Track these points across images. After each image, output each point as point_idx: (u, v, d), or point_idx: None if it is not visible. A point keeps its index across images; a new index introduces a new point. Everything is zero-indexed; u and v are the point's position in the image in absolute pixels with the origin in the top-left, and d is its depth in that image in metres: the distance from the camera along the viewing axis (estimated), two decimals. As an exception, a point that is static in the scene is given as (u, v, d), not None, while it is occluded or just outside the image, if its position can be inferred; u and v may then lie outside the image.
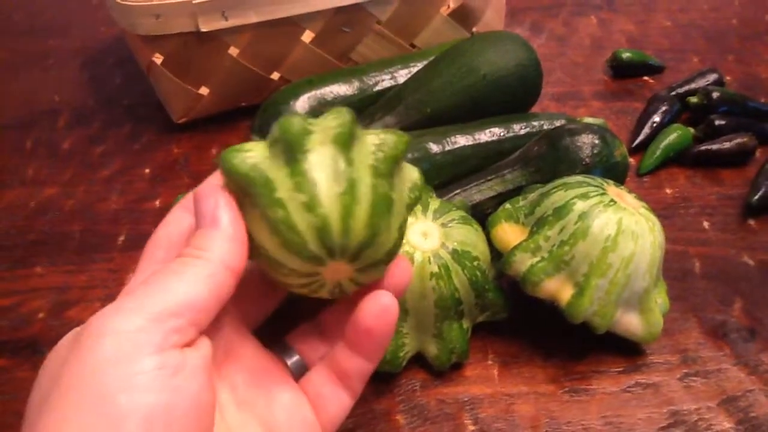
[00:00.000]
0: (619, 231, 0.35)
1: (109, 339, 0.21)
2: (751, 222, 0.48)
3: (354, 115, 0.25)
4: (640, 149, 0.54)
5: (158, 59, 0.53)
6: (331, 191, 0.23)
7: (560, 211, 0.36)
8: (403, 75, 0.55)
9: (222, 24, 0.52)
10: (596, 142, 0.42)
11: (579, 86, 0.62)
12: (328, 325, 0.29)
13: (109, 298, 0.24)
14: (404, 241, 0.35)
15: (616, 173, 0.42)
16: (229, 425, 0.25)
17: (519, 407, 0.36)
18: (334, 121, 0.25)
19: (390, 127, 0.49)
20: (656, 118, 0.55)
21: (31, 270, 0.46)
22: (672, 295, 0.40)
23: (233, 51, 0.54)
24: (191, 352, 0.23)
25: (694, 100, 0.56)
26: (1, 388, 0.38)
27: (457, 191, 0.44)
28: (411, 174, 0.28)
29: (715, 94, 0.55)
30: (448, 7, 0.61)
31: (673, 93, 0.58)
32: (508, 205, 0.40)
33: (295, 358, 0.29)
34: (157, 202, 0.51)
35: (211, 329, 0.24)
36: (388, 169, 0.25)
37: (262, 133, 0.52)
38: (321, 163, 0.24)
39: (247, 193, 0.24)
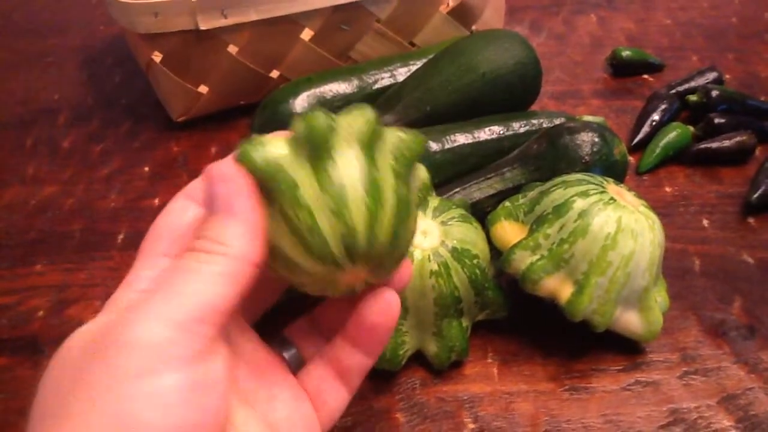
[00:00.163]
0: (618, 229, 0.35)
1: (132, 351, 0.20)
2: (751, 220, 0.48)
3: (376, 113, 0.24)
4: (640, 147, 0.54)
5: (157, 57, 0.53)
6: (358, 196, 0.23)
7: (560, 209, 0.36)
8: (402, 73, 0.55)
9: (221, 22, 0.52)
10: (596, 140, 0.42)
11: (578, 84, 0.62)
12: (326, 319, 0.29)
13: (109, 296, 0.24)
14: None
15: (615, 171, 0.42)
16: (232, 422, 0.25)
17: (519, 405, 0.36)
18: (358, 118, 0.24)
19: (389, 126, 0.49)
20: (656, 117, 0.55)
21: (30, 268, 0.46)
22: (672, 294, 0.40)
23: (232, 49, 0.54)
24: (213, 361, 0.22)
25: (693, 98, 0.56)
26: (1, 387, 0.38)
27: (457, 189, 0.44)
28: (421, 173, 0.27)
29: (714, 93, 0.55)
30: (448, 5, 0.61)
31: (673, 91, 0.58)
32: (507, 204, 0.40)
33: (293, 351, 0.29)
34: (157, 201, 0.51)
35: None
36: (406, 171, 0.25)
37: (262, 131, 0.51)
38: (347, 164, 0.23)
39: (265, 188, 0.23)
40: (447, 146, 0.46)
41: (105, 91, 0.64)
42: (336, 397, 0.27)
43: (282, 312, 0.31)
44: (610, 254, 0.35)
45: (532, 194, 0.40)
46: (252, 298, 0.28)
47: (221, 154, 0.55)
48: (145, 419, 0.19)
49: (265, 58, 0.56)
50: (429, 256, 0.35)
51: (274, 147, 0.23)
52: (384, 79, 0.54)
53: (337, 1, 0.55)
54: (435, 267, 0.35)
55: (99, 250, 0.47)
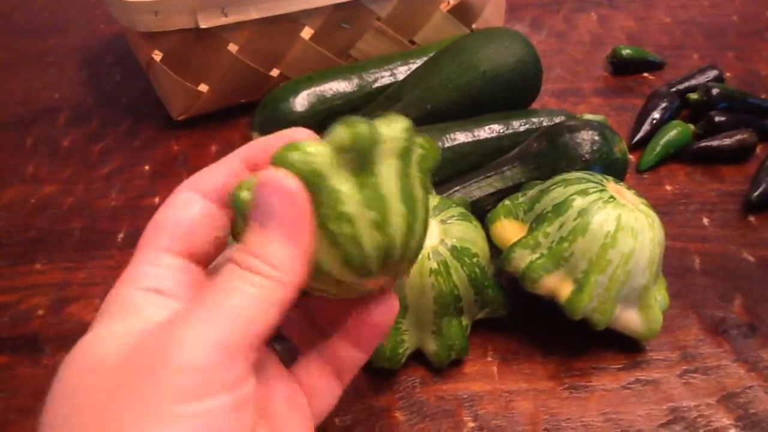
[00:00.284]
0: (618, 227, 0.35)
1: (181, 375, 0.19)
2: (751, 218, 0.48)
3: (412, 123, 0.24)
4: (640, 146, 0.54)
5: (157, 56, 0.53)
6: (398, 210, 0.23)
7: (559, 208, 0.36)
8: (402, 72, 0.55)
9: (221, 20, 0.52)
10: (596, 138, 0.42)
11: (579, 83, 0.62)
12: (322, 315, 0.29)
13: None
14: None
15: (615, 170, 0.42)
16: None
17: (518, 404, 0.36)
18: (396, 129, 0.24)
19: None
20: (656, 115, 0.55)
21: (30, 267, 0.46)
22: (672, 292, 0.40)
23: (233, 48, 0.54)
24: (251, 381, 0.21)
25: (694, 96, 0.56)
26: (1, 386, 0.39)
27: (457, 188, 0.44)
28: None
29: (715, 91, 0.55)
30: (448, 3, 0.61)
31: (673, 89, 0.58)
32: (507, 202, 0.40)
33: (285, 344, 0.28)
34: (157, 199, 0.51)
35: None
36: (428, 182, 0.25)
37: (262, 129, 0.52)
38: (388, 176, 0.23)
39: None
40: (447, 145, 0.46)
41: (105, 90, 0.64)
42: (330, 391, 0.27)
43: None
44: (610, 252, 0.35)
45: (531, 193, 0.40)
46: None
47: (221, 153, 0.54)
48: None
49: (265, 56, 0.56)
50: (429, 254, 0.35)
51: (316, 154, 0.22)
52: (384, 78, 0.54)
53: (337, -1, 0.55)
54: (434, 265, 0.35)
55: (99, 248, 0.47)
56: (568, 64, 0.65)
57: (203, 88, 0.56)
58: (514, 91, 0.50)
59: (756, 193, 0.47)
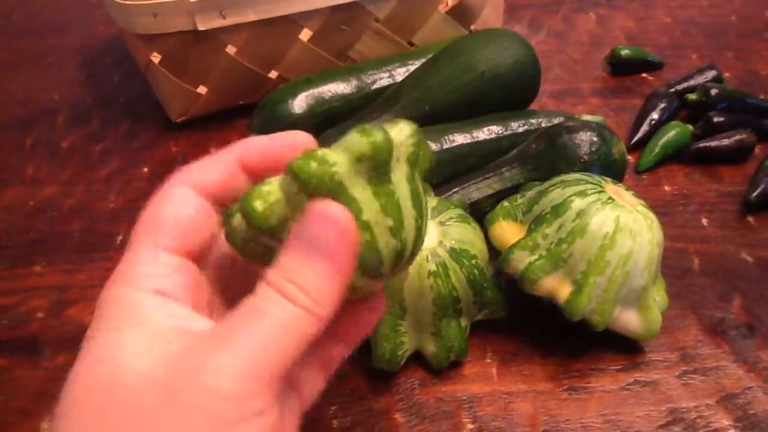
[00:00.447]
0: (617, 228, 0.35)
1: (218, 403, 0.20)
2: (750, 219, 0.48)
3: (419, 129, 0.25)
4: (639, 146, 0.54)
5: (156, 58, 0.53)
6: (411, 215, 0.23)
7: (558, 209, 0.36)
8: (401, 73, 0.55)
9: (220, 22, 0.52)
10: (594, 139, 0.42)
11: (577, 83, 0.62)
12: None
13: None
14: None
15: (614, 171, 0.42)
16: None
17: (518, 405, 0.36)
18: (406, 137, 0.24)
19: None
20: (655, 116, 0.55)
21: (30, 269, 0.46)
22: (671, 293, 0.40)
23: (231, 50, 0.54)
24: (276, 408, 0.22)
25: (693, 97, 0.56)
26: (0, 388, 0.39)
27: (456, 189, 0.44)
28: None
29: (713, 91, 0.55)
30: (446, 4, 0.61)
31: (672, 90, 0.58)
32: (506, 203, 0.40)
33: None
34: (156, 201, 0.51)
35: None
36: (424, 185, 0.26)
37: (260, 131, 0.52)
38: (401, 183, 0.23)
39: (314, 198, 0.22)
40: (446, 146, 0.46)
41: (104, 92, 0.64)
42: (315, 384, 0.27)
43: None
44: (609, 254, 0.35)
45: (530, 194, 0.40)
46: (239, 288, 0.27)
47: (220, 155, 0.55)
48: None
49: (263, 58, 0.56)
50: (427, 256, 0.35)
51: (335, 163, 0.22)
52: (383, 79, 0.54)
53: (335, 1, 0.54)
54: (433, 267, 0.35)
55: (98, 250, 0.47)
56: (567, 64, 0.65)
57: (202, 89, 0.56)
58: (513, 92, 0.50)
59: (755, 194, 0.47)
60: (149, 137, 0.58)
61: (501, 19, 0.65)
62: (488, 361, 0.39)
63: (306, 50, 0.57)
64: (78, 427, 0.20)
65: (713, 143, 0.52)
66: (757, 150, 0.53)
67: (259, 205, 0.22)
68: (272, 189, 0.22)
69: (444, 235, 0.36)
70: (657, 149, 0.52)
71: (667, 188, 0.50)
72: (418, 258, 0.35)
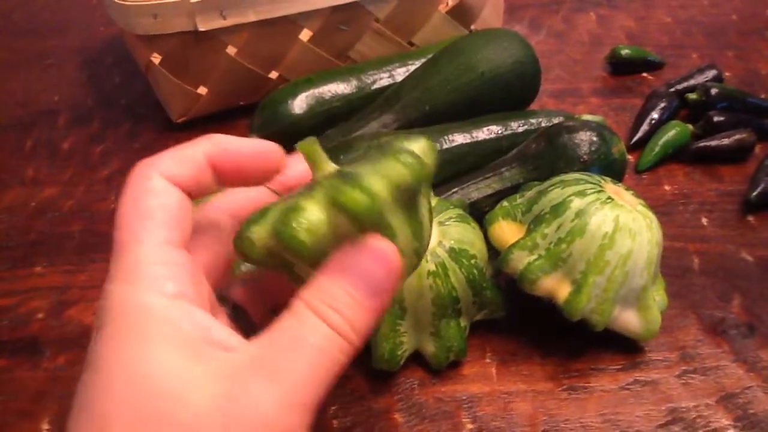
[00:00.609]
0: (616, 228, 0.35)
1: (261, 423, 0.20)
2: (750, 218, 0.47)
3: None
4: (639, 146, 0.54)
5: (156, 59, 0.53)
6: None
7: (557, 209, 0.36)
8: (401, 73, 0.55)
9: (220, 23, 0.52)
10: (594, 139, 0.42)
11: (577, 83, 0.62)
12: (278, 296, 0.28)
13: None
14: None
15: (614, 170, 0.42)
16: None
17: (517, 405, 0.36)
18: (429, 157, 0.25)
19: (388, 126, 0.49)
20: (655, 115, 0.55)
21: (30, 270, 0.46)
22: (671, 292, 0.40)
23: (231, 50, 0.54)
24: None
25: (693, 96, 0.56)
26: (0, 389, 0.39)
27: (455, 189, 0.44)
28: None
29: (714, 91, 0.54)
30: (447, 4, 0.61)
31: (672, 89, 0.58)
32: (505, 203, 0.40)
33: (236, 310, 0.28)
34: (156, 202, 0.51)
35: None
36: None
37: (261, 131, 0.52)
38: (424, 206, 0.24)
39: (359, 226, 0.22)
40: (445, 146, 0.46)
41: (105, 92, 0.64)
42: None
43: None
44: (608, 253, 0.35)
45: (529, 194, 0.40)
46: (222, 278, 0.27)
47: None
48: None
49: (263, 58, 0.56)
50: (426, 256, 0.35)
51: (379, 194, 0.22)
52: (383, 79, 0.54)
53: (335, 1, 0.55)
54: (432, 267, 0.35)
55: (99, 251, 0.47)
56: (567, 64, 0.65)
57: (202, 90, 0.56)
58: (513, 92, 0.50)
59: (755, 193, 0.47)
60: (150, 138, 0.58)
61: (501, 19, 0.65)
62: (488, 361, 0.39)
63: (306, 50, 0.57)
64: None
65: (713, 143, 0.52)
66: (757, 149, 0.53)
67: (307, 238, 0.22)
68: (320, 219, 0.22)
69: (443, 235, 0.36)
70: (657, 149, 0.52)
71: (667, 188, 0.50)
72: (417, 258, 0.35)
